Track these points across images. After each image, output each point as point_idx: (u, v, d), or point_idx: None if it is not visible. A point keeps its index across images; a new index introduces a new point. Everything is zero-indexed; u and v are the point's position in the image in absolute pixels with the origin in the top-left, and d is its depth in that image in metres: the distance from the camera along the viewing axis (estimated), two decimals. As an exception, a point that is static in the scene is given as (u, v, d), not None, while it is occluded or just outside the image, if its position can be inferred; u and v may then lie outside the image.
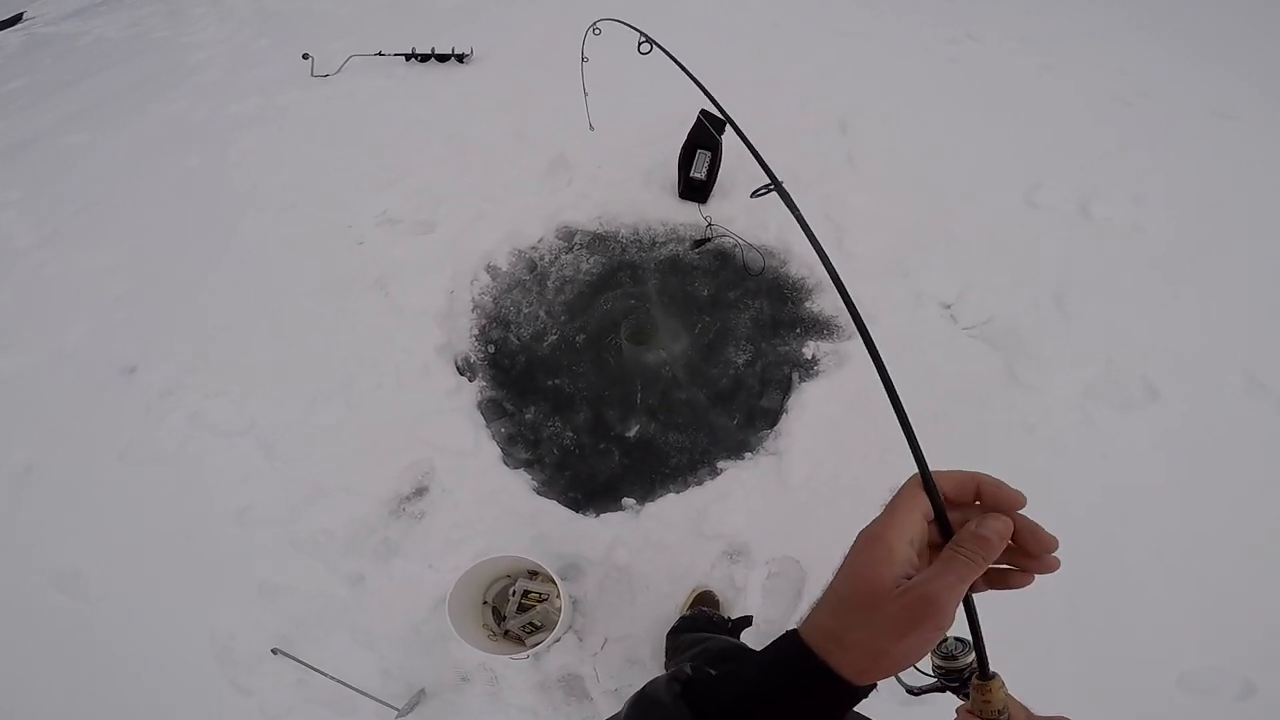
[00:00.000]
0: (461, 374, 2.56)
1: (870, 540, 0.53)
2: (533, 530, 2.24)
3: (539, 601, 2.13)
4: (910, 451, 0.56)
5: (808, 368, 2.48)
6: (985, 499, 0.55)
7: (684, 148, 2.77)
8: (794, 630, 0.56)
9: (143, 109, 3.76)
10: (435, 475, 2.33)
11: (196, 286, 2.80)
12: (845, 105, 3.18)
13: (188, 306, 2.75)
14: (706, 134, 2.73)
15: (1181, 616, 1.92)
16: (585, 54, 1.87)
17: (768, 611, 2.11)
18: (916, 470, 0.55)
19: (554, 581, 1.89)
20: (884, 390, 0.59)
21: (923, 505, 0.54)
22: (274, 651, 2.08)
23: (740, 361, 2.55)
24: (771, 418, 2.42)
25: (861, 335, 0.62)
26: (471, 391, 2.50)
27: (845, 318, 2.56)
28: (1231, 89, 3.26)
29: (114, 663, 2.12)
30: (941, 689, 0.61)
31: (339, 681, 2.02)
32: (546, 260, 2.83)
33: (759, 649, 0.59)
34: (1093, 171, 2.86)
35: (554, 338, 2.65)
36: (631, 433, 2.45)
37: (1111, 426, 2.20)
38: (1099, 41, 3.59)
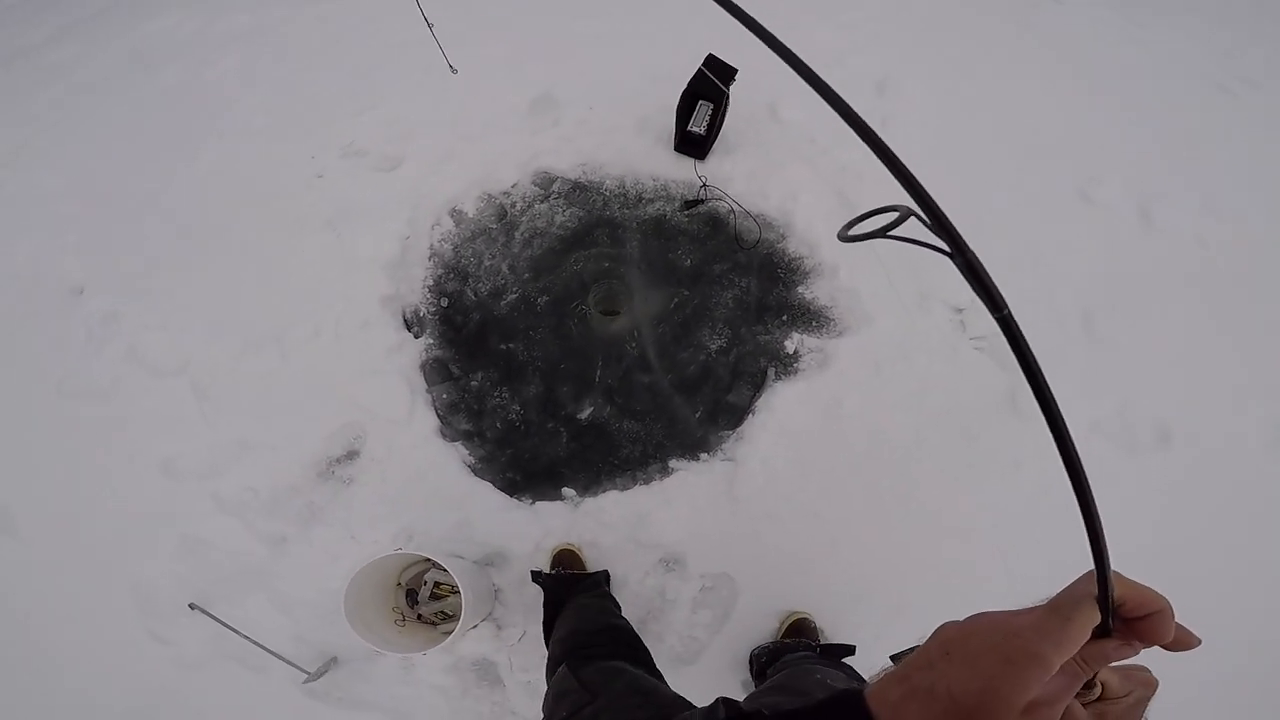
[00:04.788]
0: (409, 328, 2.46)
1: (1029, 661, 0.47)
2: (460, 514, 2.20)
3: (452, 592, 2.08)
4: (1091, 555, 0.49)
5: (786, 364, 2.30)
6: (1146, 630, 0.50)
7: (684, 96, 2.52)
8: (864, 705, 0.53)
9: (131, 24, 3.65)
10: (366, 441, 2.28)
11: (146, 211, 2.76)
12: (887, 62, 2.84)
13: (134, 232, 2.71)
14: (711, 83, 2.46)
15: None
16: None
17: (693, 628, 2.08)
18: (1091, 573, 0.50)
19: (458, 581, 1.82)
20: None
21: (1094, 622, 0.49)
22: (191, 606, 2.13)
23: (714, 347, 2.38)
24: (736, 416, 2.27)
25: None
26: (415, 350, 2.42)
27: (839, 310, 2.35)
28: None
29: (39, 602, 2.21)
30: None
31: (253, 642, 2.07)
32: (518, 208, 2.65)
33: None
34: (1165, 167, 2.55)
35: (514, 296, 2.51)
36: (584, 414, 2.34)
37: (1112, 470, 2.03)
38: (1209, 15, 3.11)
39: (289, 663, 2.04)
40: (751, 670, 1.95)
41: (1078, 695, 0.52)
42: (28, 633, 2.18)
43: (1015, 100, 2.74)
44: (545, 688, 1.41)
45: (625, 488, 2.22)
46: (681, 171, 2.64)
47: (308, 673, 2.02)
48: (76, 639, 2.16)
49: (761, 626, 2.03)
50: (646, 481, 2.22)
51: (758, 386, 2.30)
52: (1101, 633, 0.50)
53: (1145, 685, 0.55)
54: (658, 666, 1.49)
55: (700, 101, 2.50)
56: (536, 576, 1.97)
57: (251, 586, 2.17)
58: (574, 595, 1.85)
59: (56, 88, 3.37)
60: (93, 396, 2.42)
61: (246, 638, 2.06)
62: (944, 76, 2.83)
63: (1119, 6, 3.15)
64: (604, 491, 2.22)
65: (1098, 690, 0.54)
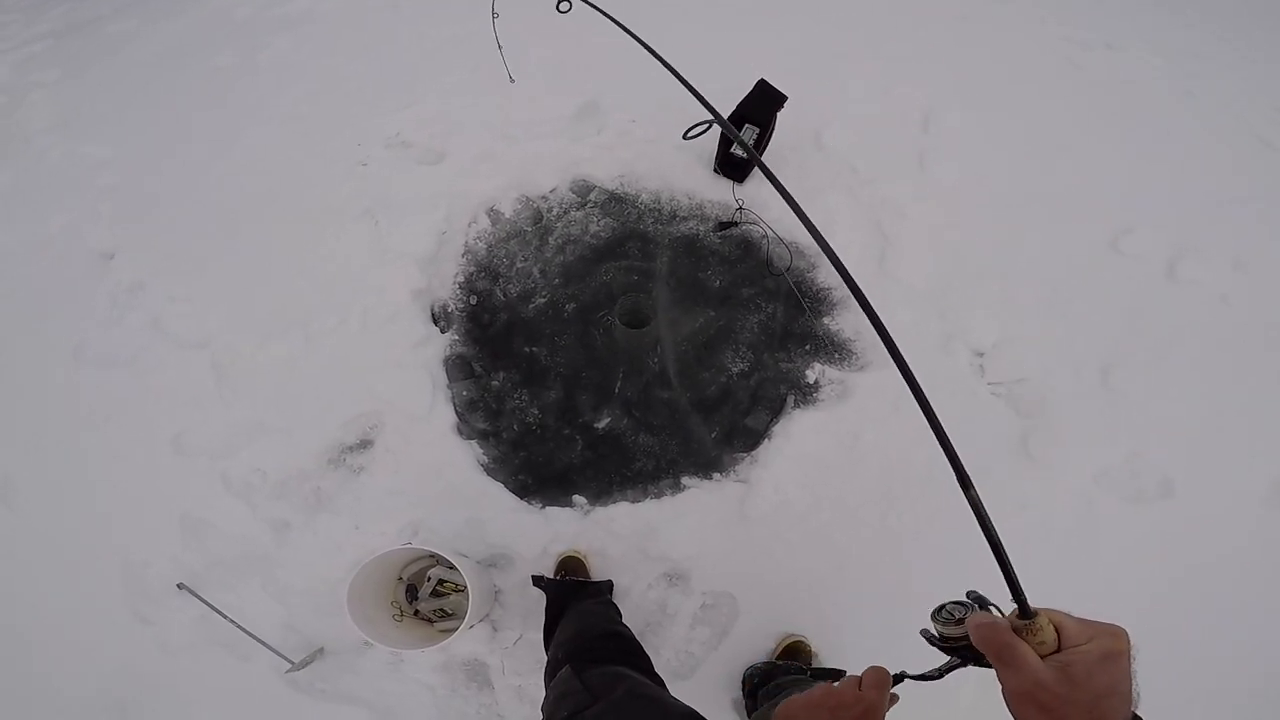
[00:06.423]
0: (436, 322, 2.51)
1: None
2: (470, 513, 2.22)
3: (455, 590, 2.10)
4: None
5: (806, 393, 2.33)
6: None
7: (730, 119, 2.55)
8: None
9: (191, 3, 3.77)
10: (382, 432, 2.30)
11: (185, 189, 2.82)
12: (935, 97, 2.88)
13: (171, 206, 2.77)
14: (761, 107, 2.50)
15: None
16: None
17: (690, 644, 2.08)
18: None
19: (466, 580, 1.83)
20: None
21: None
22: (179, 587, 2.13)
23: (736, 370, 2.41)
24: (752, 440, 2.29)
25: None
26: (440, 345, 2.46)
27: (863, 343, 2.37)
28: None
29: (25, 572, 2.21)
30: (961, 663, 0.65)
31: (239, 627, 2.07)
32: (554, 214, 2.70)
33: None
34: (1198, 222, 2.57)
35: (542, 300, 2.55)
36: (601, 424, 2.37)
37: (1113, 519, 2.06)
38: (1264, 68, 3.15)
39: (273, 650, 2.03)
40: (744, 690, 1.97)
41: (1029, 640, 0.56)
42: (7, 604, 2.17)
43: (1058, 142, 2.78)
44: (536, 694, 1.41)
45: (636, 500, 2.24)
46: (717, 192, 2.68)
47: (292, 662, 2.01)
48: (57, 614, 2.16)
49: (758, 647, 2.03)
50: (658, 496, 2.24)
51: (776, 412, 2.32)
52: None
53: (1111, 636, 0.56)
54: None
55: (746, 125, 2.54)
56: (538, 581, 1.98)
57: (248, 571, 2.17)
58: (578, 601, 1.87)
59: (113, 60, 3.47)
60: (110, 365, 2.45)
61: (231, 621, 2.06)
62: (989, 113, 2.87)
63: (1172, 55, 3.18)
64: (615, 502, 2.24)
65: (1047, 633, 0.55)
